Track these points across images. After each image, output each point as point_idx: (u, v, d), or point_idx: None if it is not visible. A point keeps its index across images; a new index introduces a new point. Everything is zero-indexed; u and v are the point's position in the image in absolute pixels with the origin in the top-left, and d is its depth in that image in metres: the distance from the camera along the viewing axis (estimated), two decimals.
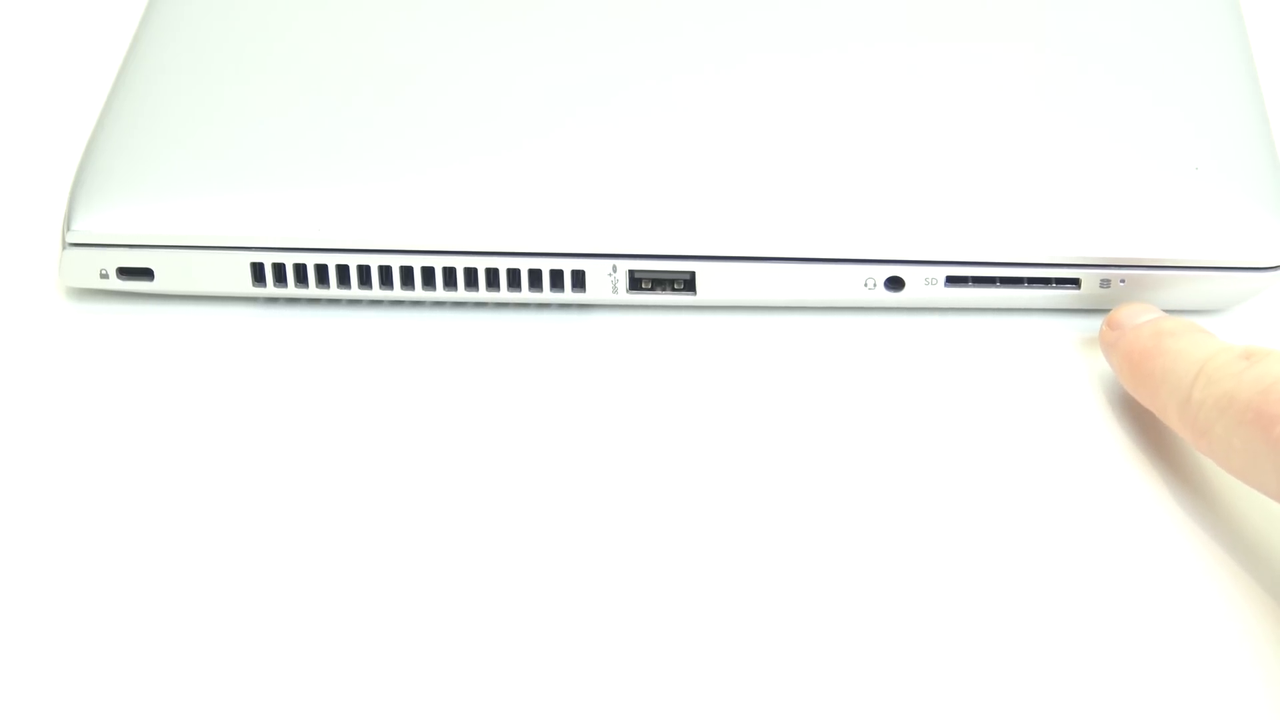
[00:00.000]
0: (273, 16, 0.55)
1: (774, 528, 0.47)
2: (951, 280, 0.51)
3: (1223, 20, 0.55)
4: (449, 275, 0.51)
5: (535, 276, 0.51)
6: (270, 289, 0.52)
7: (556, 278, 0.51)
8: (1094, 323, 0.51)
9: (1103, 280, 0.51)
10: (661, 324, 0.52)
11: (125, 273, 0.51)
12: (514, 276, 0.51)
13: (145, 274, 0.51)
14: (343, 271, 0.51)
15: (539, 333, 0.51)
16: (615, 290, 0.51)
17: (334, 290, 0.52)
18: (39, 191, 0.55)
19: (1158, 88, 0.53)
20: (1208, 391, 0.45)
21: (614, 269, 0.51)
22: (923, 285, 0.51)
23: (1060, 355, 0.51)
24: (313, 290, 0.52)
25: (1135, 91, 0.53)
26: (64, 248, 0.51)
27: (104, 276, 0.51)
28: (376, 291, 0.52)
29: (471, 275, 0.51)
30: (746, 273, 0.51)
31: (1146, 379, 0.48)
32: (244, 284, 0.51)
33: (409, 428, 0.49)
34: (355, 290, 0.52)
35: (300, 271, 0.51)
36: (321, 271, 0.51)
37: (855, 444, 0.49)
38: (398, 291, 0.52)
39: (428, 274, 0.51)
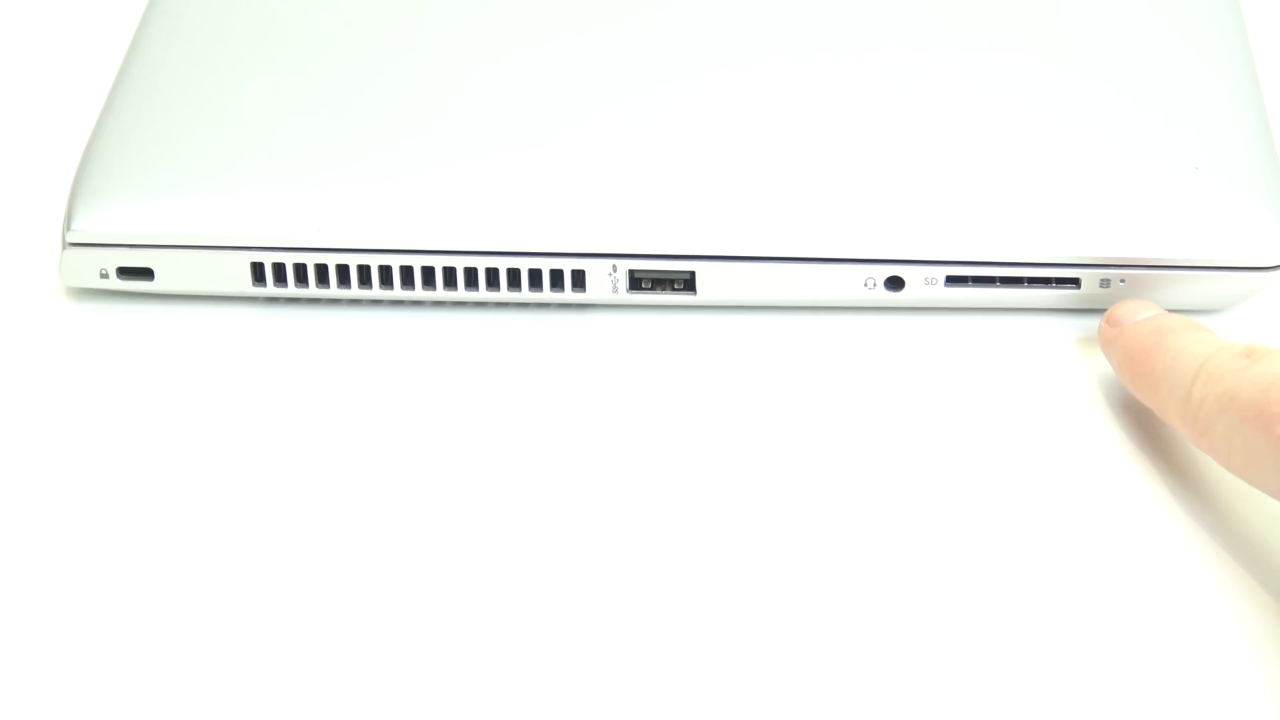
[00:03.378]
0: (273, 17, 0.55)
1: (774, 527, 0.47)
2: (951, 280, 0.51)
3: (1223, 21, 0.55)
4: (449, 275, 0.51)
5: (535, 276, 0.51)
6: (270, 289, 0.51)
7: (556, 278, 0.51)
8: (1094, 322, 0.51)
9: (1103, 280, 0.51)
10: (661, 324, 0.52)
11: (125, 272, 0.51)
12: (514, 276, 0.51)
13: (145, 274, 0.51)
14: (343, 271, 0.51)
15: (539, 333, 0.51)
16: (615, 290, 0.51)
17: (334, 290, 0.52)
18: (39, 191, 0.55)
19: (1157, 87, 0.53)
20: (1208, 389, 0.45)
21: (614, 269, 0.51)
22: (923, 285, 0.51)
23: (1060, 355, 0.51)
24: (313, 290, 0.52)
25: (1135, 91, 0.53)
26: (64, 248, 0.51)
27: (104, 276, 0.51)
28: (376, 291, 0.52)
29: (471, 275, 0.51)
30: (746, 273, 0.51)
31: (1146, 376, 0.48)
32: (244, 284, 0.51)
33: (409, 428, 0.49)
34: (355, 290, 0.52)
35: (300, 271, 0.51)
36: (321, 271, 0.51)
37: (855, 444, 0.49)
38: (398, 291, 0.52)
39: (428, 274, 0.51)
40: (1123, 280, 0.51)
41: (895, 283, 0.51)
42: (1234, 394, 0.44)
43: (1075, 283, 0.51)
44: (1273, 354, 0.45)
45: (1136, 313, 0.49)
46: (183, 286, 0.52)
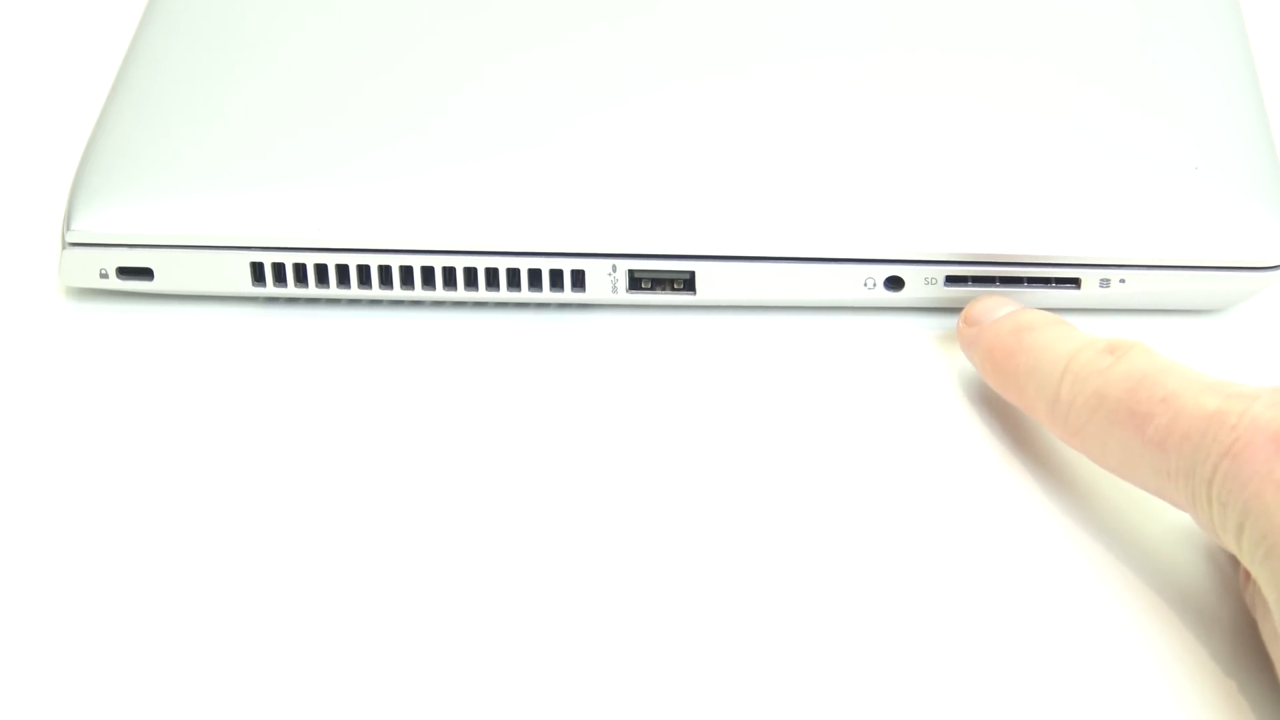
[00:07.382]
0: (272, 17, 0.55)
1: (773, 526, 0.47)
2: (951, 280, 0.51)
3: (1223, 21, 0.55)
4: (449, 275, 0.51)
5: (535, 276, 0.51)
6: (270, 289, 0.52)
7: (556, 278, 0.51)
8: (1094, 323, 0.51)
9: (1103, 280, 0.51)
10: (661, 324, 0.52)
11: (125, 272, 0.51)
12: (514, 276, 0.51)
13: (145, 274, 0.51)
14: (343, 271, 0.51)
15: (539, 333, 0.51)
16: (615, 290, 0.51)
17: (334, 290, 0.52)
18: (39, 191, 0.55)
19: (1157, 87, 0.53)
20: (1076, 390, 0.45)
21: (614, 269, 0.51)
22: (923, 285, 0.51)
23: None
24: (312, 290, 0.52)
25: (1135, 91, 0.53)
26: (64, 248, 0.51)
27: (104, 276, 0.51)
28: (376, 291, 0.52)
29: (471, 275, 0.51)
30: (746, 272, 0.51)
31: (1011, 377, 0.47)
32: (244, 284, 0.51)
33: (409, 428, 0.49)
34: (355, 290, 0.52)
35: (300, 271, 0.51)
36: (321, 271, 0.51)
37: (855, 443, 0.49)
38: (398, 291, 0.52)
39: (428, 274, 0.51)
40: (1123, 280, 0.51)
41: (895, 283, 0.51)
42: (1102, 395, 0.44)
43: (1075, 283, 0.51)
44: (1135, 349, 0.45)
45: (994, 310, 0.49)
46: (182, 286, 0.52)
